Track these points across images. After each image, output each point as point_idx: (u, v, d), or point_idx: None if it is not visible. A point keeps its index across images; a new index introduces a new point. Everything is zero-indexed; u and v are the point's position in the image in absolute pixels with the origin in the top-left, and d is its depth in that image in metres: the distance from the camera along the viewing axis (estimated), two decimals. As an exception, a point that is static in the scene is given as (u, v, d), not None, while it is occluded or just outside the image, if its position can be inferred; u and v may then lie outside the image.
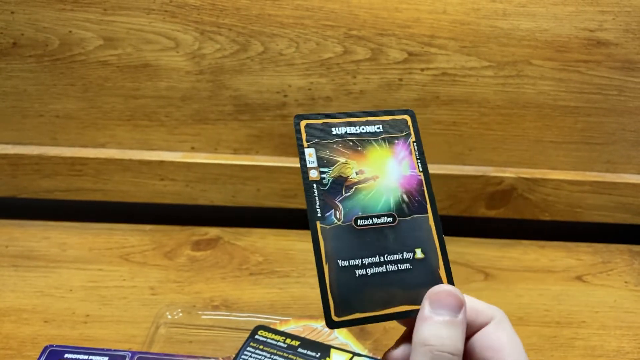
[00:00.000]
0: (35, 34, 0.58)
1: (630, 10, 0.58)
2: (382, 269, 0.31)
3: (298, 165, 0.65)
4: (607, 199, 0.66)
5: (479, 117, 0.63)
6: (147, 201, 0.65)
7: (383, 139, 0.33)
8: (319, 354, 0.45)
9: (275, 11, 0.58)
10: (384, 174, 0.33)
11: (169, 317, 0.52)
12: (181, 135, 0.63)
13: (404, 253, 0.31)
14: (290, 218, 0.67)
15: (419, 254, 0.32)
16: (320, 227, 0.31)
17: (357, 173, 0.32)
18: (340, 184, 0.32)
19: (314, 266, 0.64)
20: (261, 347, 0.46)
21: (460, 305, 0.29)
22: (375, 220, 0.32)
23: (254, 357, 0.45)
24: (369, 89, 0.61)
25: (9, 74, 0.60)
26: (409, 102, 0.62)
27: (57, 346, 0.46)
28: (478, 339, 0.30)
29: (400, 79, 0.61)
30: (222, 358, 0.47)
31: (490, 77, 0.61)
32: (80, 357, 0.45)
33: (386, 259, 0.31)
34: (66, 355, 0.45)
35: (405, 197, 0.33)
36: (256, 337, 0.47)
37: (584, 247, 0.67)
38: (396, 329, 0.48)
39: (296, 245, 0.64)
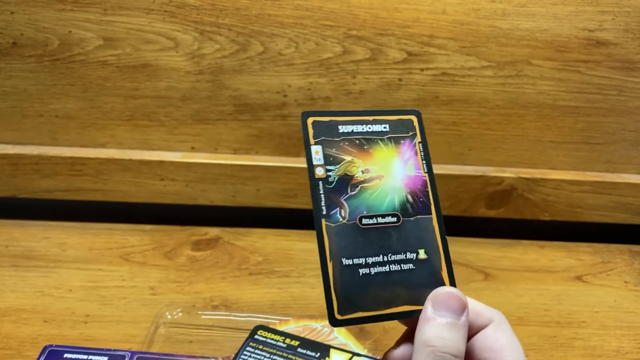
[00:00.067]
0: (35, 34, 0.58)
1: (629, 10, 0.58)
2: (386, 268, 0.31)
3: (298, 165, 0.65)
4: (607, 199, 0.66)
5: (478, 117, 0.63)
6: (147, 201, 0.65)
7: (389, 138, 0.33)
8: (318, 354, 0.45)
9: (275, 11, 0.58)
10: (390, 174, 0.33)
11: (169, 317, 0.52)
12: (181, 135, 0.63)
13: (407, 253, 0.32)
14: (290, 218, 0.67)
15: (422, 254, 0.32)
16: (326, 224, 0.31)
17: (362, 172, 0.32)
18: (346, 182, 0.32)
19: (313, 266, 0.64)
20: (261, 347, 0.46)
21: (463, 308, 0.29)
22: (380, 220, 0.32)
23: (253, 357, 0.45)
24: (369, 89, 0.61)
25: (8, 74, 0.60)
26: (409, 102, 0.62)
27: (56, 346, 0.46)
28: (478, 340, 0.31)
29: (400, 79, 0.61)
30: (222, 358, 0.47)
31: (489, 77, 0.61)
32: (80, 357, 0.45)
33: (389, 259, 0.31)
34: (66, 355, 0.45)
35: (409, 197, 0.33)
36: (256, 337, 0.47)
37: (583, 247, 0.67)
38: (396, 328, 0.48)
39: (296, 245, 0.64)
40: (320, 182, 0.32)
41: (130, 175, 0.64)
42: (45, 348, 0.45)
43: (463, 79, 0.61)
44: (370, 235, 0.31)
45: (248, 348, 0.45)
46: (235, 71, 0.60)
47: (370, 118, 0.33)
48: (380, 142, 0.33)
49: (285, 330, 0.48)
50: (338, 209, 0.31)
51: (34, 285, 0.56)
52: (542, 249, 0.66)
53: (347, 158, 0.32)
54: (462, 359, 0.29)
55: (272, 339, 0.46)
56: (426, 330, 0.29)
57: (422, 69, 0.60)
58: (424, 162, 0.33)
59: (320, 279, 0.63)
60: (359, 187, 0.32)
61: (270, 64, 0.60)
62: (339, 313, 0.30)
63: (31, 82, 0.60)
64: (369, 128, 0.33)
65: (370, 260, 0.31)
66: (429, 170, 0.33)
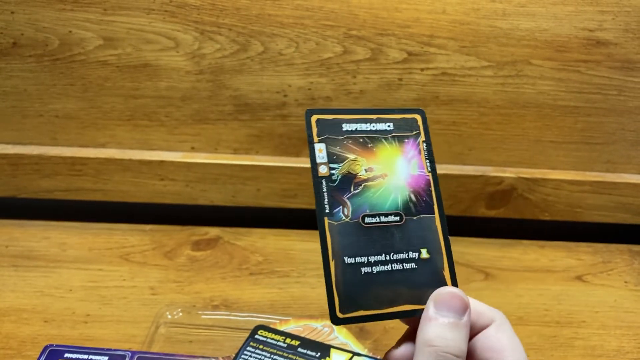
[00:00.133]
0: (35, 34, 0.58)
1: (629, 10, 0.58)
2: (388, 267, 0.31)
3: (298, 165, 0.65)
4: (607, 199, 0.66)
5: (478, 117, 0.63)
6: (147, 201, 0.65)
7: (393, 137, 0.33)
8: (318, 353, 0.45)
9: (275, 11, 0.58)
10: (393, 173, 0.33)
11: (169, 316, 0.52)
12: (181, 135, 0.63)
13: (410, 252, 0.32)
14: (290, 218, 0.67)
15: (424, 254, 0.32)
16: (328, 223, 0.31)
17: (366, 170, 0.32)
18: (349, 180, 0.32)
19: (314, 266, 0.64)
20: (261, 346, 0.46)
21: (465, 308, 0.30)
22: (383, 219, 0.32)
23: (254, 357, 0.45)
24: (369, 89, 0.61)
25: (8, 74, 0.60)
26: (409, 102, 0.62)
27: (57, 346, 0.46)
28: (479, 340, 0.31)
29: (400, 79, 0.61)
30: (222, 358, 0.47)
31: (489, 77, 0.61)
32: (80, 357, 0.45)
33: (392, 258, 0.31)
34: (66, 355, 0.45)
35: (412, 196, 0.33)
36: (256, 336, 0.47)
37: (584, 247, 0.67)
38: (396, 328, 0.48)
39: (296, 245, 0.64)
40: (324, 180, 0.32)
41: (130, 175, 0.64)
42: (45, 348, 0.45)
43: (463, 79, 0.61)
44: (372, 234, 0.31)
45: (248, 348, 0.45)
46: (235, 71, 0.60)
47: (374, 117, 0.33)
48: (384, 140, 0.33)
49: (286, 330, 0.48)
50: (341, 207, 0.31)
51: (34, 285, 0.56)
52: (542, 249, 0.66)
53: (351, 156, 0.32)
54: (464, 359, 0.29)
55: (272, 339, 0.46)
56: (428, 330, 0.29)
57: (422, 69, 0.60)
58: (428, 161, 0.33)
59: (321, 279, 0.63)
60: (362, 186, 0.32)
61: (271, 63, 0.60)
62: (340, 311, 0.30)
63: (31, 82, 0.60)
64: (373, 127, 0.33)
65: (372, 259, 0.31)
66: (433, 170, 0.33)
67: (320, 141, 0.32)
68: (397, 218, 0.32)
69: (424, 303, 0.30)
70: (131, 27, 0.58)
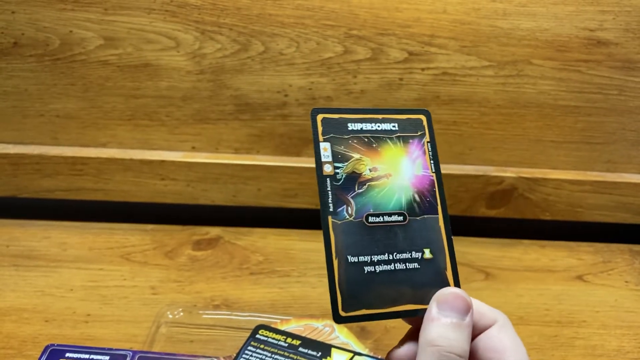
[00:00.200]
0: (35, 34, 0.58)
1: (630, 10, 0.58)
2: (391, 267, 0.31)
3: (299, 165, 0.65)
4: (608, 199, 0.66)
5: (479, 116, 0.63)
6: (148, 201, 0.65)
7: (398, 137, 0.33)
8: (319, 353, 0.45)
9: (276, 11, 0.58)
10: (397, 173, 0.33)
11: (170, 316, 0.52)
12: (182, 135, 0.63)
13: (413, 252, 0.32)
14: (291, 218, 0.67)
15: (427, 254, 0.32)
16: (332, 221, 0.31)
17: (370, 170, 0.32)
18: (354, 180, 0.32)
19: (314, 266, 0.64)
20: (262, 346, 0.46)
21: (467, 309, 0.30)
22: (387, 218, 0.32)
23: (255, 357, 0.45)
24: (370, 89, 0.61)
25: (9, 74, 0.60)
26: (409, 101, 0.62)
27: (58, 345, 0.46)
28: (481, 340, 0.31)
29: (401, 79, 0.61)
30: (223, 357, 0.47)
31: (490, 76, 0.61)
32: (81, 357, 0.45)
33: (395, 257, 0.31)
34: (67, 355, 0.45)
35: (416, 196, 0.33)
36: (257, 336, 0.47)
37: (584, 246, 0.67)
38: (397, 328, 0.48)
39: (297, 245, 0.64)
40: (328, 179, 0.32)
41: (131, 175, 0.64)
42: (46, 347, 0.45)
43: (464, 79, 0.61)
44: (376, 234, 0.31)
45: (249, 347, 0.45)
46: (236, 71, 0.60)
47: (380, 117, 0.33)
48: (388, 140, 0.33)
49: (287, 330, 0.48)
50: (345, 206, 0.31)
51: (35, 285, 0.56)
52: (543, 249, 0.66)
53: (356, 156, 0.32)
54: (466, 359, 0.29)
55: (273, 339, 0.46)
56: (431, 330, 0.29)
57: (422, 69, 0.60)
58: (432, 161, 0.34)
59: (322, 279, 0.63)
60: (366, 185, 0.32)
61: (271, 63, 0.60)
62: (343, 310, 0.30)
63: (32, 82, 0.60)
64: (378, 126, 0.33)
65: (375, 258, 0.31)
66: (437, 170, 0.33)
67: (325, 140, 0.32)
68: (401, 218, 0.32)
69: (427, 303, 0.30)
70: (132, 26, 0.58)
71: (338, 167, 0.32)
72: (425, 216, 0.32)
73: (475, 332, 0.31)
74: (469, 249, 0.65)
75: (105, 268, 0.59)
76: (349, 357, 0.45)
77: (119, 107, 0.62)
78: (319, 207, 0.70)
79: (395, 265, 0.31)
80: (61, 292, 0.55)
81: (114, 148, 0.64)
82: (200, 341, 0.50)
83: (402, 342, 0.32)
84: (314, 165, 0.68)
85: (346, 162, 0.32)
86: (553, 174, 0.66)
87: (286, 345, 0.46)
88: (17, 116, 0.62)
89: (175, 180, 0.64)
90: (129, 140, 0.63)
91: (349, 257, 0.31)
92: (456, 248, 0.33)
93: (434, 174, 0.33)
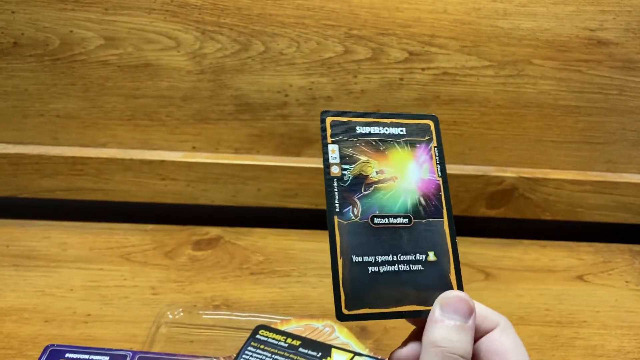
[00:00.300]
0: (35, 34, 0.58)
1: (630, 10, 0.58)
2: (395, 268, 0.32)
3: (299, 165, 0.65)
4: (608, 199, 0.66)
5: (479, 116, 0.63)
6: (148, 201, 0.65)
7: (405, 141, 0.34)
8: (320, 353, 0.45)
9: (276, 11, 0.58)
10: (404, 176, 0.33)
11: (170, 316, 0.52)
12: (182, 135, 0.63)
13: (417, 254, 0.32)
14: (291, 218, 0.67)
15: (431, 256, 0.32)
16: (338, 221, 0.32)
17: (377, 172, 0.33)
18: (360, 181, 0.33)
19: (314, 266, 0.64)
20: (262, 346, 0.46)
21: (470, 312, 0.30)
22: (392, 220, 0.32)
23: (255, 357, 0.45)
24: (370, 89, 0.61)
25: (9, 74, 0.60)
26: (410, 101, 0.62)
27: (58, 346, 0.46)
28: (484, 343, 0.31)
29: (401, 79, 0.61)
30: (223, 357, 0.47)
31: (490, 76, 0.61)
32: (81, 357, 0.45)
33: (399, 259, 0.32)
34: (67, 355, 0.45)
35: (422, 200, 0.33)
36: (257, 336, 0.47)
37: (585, 246, 0.67)
38: (397, 328, 0.48)
39: (297, 245, 0.64)
40: (335, 180, 0.32)
41: (131, 175, 0.64)
42: (46, 348, 0.45)
43: (464, 79, 0.61)
44: (381, 235, 0.32)
45: (249, 348, 0.45)
46: (236, 71, 0.60)
47: (388, 121, 0.34)
48: (396, 144, 0.34)
49: (287, 330, 0.48)
50: (351, 207, 0.32)
51: (35, 285, 0.56)
52: (543, 249, 0.66)
53: (363, 158, 0.33)
54: None
55: (273, 339, 0.46)
56: (434, 331, 0.29)
57: (423, 69, 0.60)
58: (439, 166, 0.34)
59: (322, 279, 0.64)
60: (372, 187, 0.33)
61: (272, 63, 0.60)
62: (346, 308, 0.30)
63: (32, 82, 0.60)
64: (386, 130, 0.34)
65: (380, 259, 0.31)
66: (443, 175, 0.34)
67: (333, 142, 0.33)
68: (406, 220, 0.32)
69: (430, 305, 0.31)
70: (132, 26, 0.58)
71: (345, 169, 0.33)
72: (430, 219, 0.33)
73: (478, 334, 0.31)
74: (469, 249, 0.65)
75: (105, 268, 0.59)
76: (349, 358, 0.45)
77: (119, 107, 0.62)
78: (318, 207, 0.70)
79: (399, 266, 0.32)
80: (61, 292, 0.55)
81: (114, 148, 0.64)
82: (200, 341, 0.50)
83: (405, 343, 0.32)
84: (314, 166, 0.69)
85: (353, 164, 0.33)
86: (553, 174, 0.66)
87: (286, 345, 0.46)
88: (17, 116, 0.62)
89: (176, 180, 0.64)
90: (129, 140, 0.63)
91: (353, 257, 0.31)
92: (456, 248, 0.33)
93: (440, 179, 0.34)
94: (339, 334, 0.49)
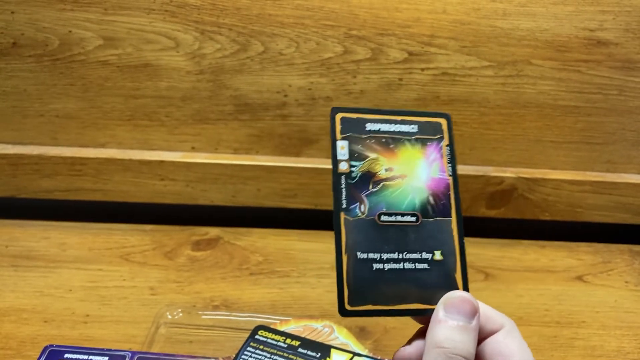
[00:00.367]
0: (35, 34, 0.58)
1: (630, 10, 0.58)
2: (400, 265, 0.31)
3: (298, 165, 0.65)
4: (608, 199, 0.66)
5: (479, 116, 0.63)
6: (147, 201, 0.65)
7: (416, 139, 0.34)
8: (319, 354, 0.45)
9: (276, 11, 0.57)
10: (413, 174, 0.33)
11: (169, 317, 0.52)
12: (181, 135, 0.63)
13: (423, 253, 0.32)
14: (291, 218, 0.67)
15: (437, 255, 0.32)
16: (344, 218, 0.32)
17: (386, 170, 0.33)
18: (368, 178, 0.32)
19: (314, 266, 0.64)
20: (261, 347, 0.46)
21: (474, 312, 0.30)
22: (399, 218, 0.32)
23: (254, 357, 0.45)
24: (369, 89, 0.61)
25: (9, 74, 0.60)
26: (409, 102, 0.62)
27: (57, 346, 0.45)
28: (488, 345, 0.31)
29: (401, 79, 0.61)
30: (222, 358, 0.47)
31: (490, 76, 0.61)
32: (80, 357, 0.45)
33: (405, 257, 0.32)
34: (66, 355, 0.45)
35: (431, 198, 0.33)
36: (256, 337, 0.46)
37: (584, 247, 0.67)
38: (397, 328, 0.48)
39: (296, 245, 0.64)
40: (343, 177, 0.32)
41: (131, 175, 0.64)
42: (45, 348, 0.45)
43: (463, 79, 0.61)
44: (387, 232, 0.32)
45: (248, 348, 0.45)
46: (235, 71, 0.60)
47: (399, 118, 0.34)
48: (406, 142, 0.34)
49: (286, 331, 0.48)
50: (358, 204, 0.32)
51: (34, 285, 0.56)
52: (543, 249, 0.66)
53: (372, 155, 0.33)
54: None
55: (272, 339, 0.46)
56: (437, 332, 0.29)
57: (422, 69, 0.60)
58: (449, 165, 0.34)
59: (321, 279, 0.64)
60: (380, 185, 0.32)
61: (271, 63, 0.60)
62: (349, 304, 0.30)
63: (31, 82, 0.60)
64: (397, 128, 0.34)
65: (385, 256, 0.31)
66: (454, 174, 0.34)
67: (343, 138, 0.33)
68: (414, 219, 0.32)
69: (434, 304, 0.31)
70: (131, 27, 0.58)
71: (354, 166, 0.32)
72: (438, 218, 0.33)
73: (482, 335, 0.31)
74: (468, 249, 0.64)
75: (104, 268, 0.59)
76: (349, 358, 0.45)
77: (119, 108, 0.62)
78: (318, 208, 0.70)
79: (405, 264, 0.32)
80: (60, 292, 0.55)
81: (113, 148, 0.64)
82: (199, 342, 0.50)
83: (410, 341, 0.32)
84: (313, 166, 0.68)
85: (362, 161, 0.33)
86: (553, 174, 0.66)
87: (285, 346, 0.46)
88: (17, 116, 0.62)
89: (175, 180, 0.64)
90: (128, 140, 0.63)
91: (358, 254, 0.31)
92: (456, 248, 0.33)
93: (450, 178, 0.34)
94: (338, 335, 0.49)
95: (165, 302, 0.55)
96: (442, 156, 0.34)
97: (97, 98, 0.61)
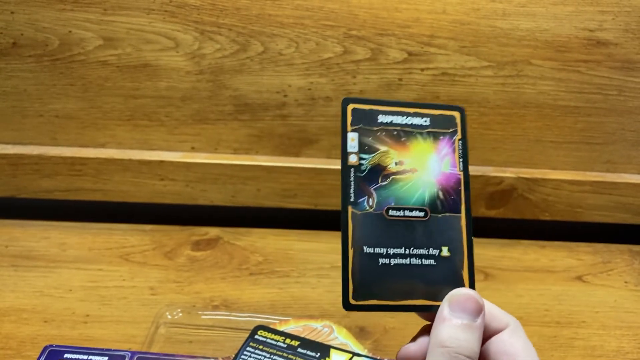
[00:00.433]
0: (35, 34, 0.58)
1: (630, 10, 0.58)
2: (406, 261, 0.31)
3: (298, 165, 0.65)
4: (607, 199, 0.66)
5: (478, 117, 0.63)
6: (147, 201, 0.65)
7: (428, 133, 0.33)
8: (318, 354, 0.45)
9: (275, 11, 0.57)
10: (423, 168, 0.32)
11: (169, 317, 0.52)
12: (181, 135, 0.63)
13: (431, 249, 0.32)
14: (291, 218, 0.67)
15: (445, 252, 0.32)
16: (352, 212, 0.31)
17: (396, 163, 0.32)
18: (378, 172, 0.32)
19: (314, 266, 0.64)
20: (261, 347, 0.46)
21: (479, 310, 0.30)
22: (407, 213, 0.32)
23: (253, 357, 0.45)
24: (369, 89, 0.61)
25: (8, 74, 0.60)
26: (409, 102, 0.62)
27: (56, 346, 0.46)
28: (493, 344, 0.31)
29: (400, 79, 0.61)
30: (222, 358, 0.47)
31: (490, 77, 0.61)
32: (80, 357, 0.45)
33: (411, 252, 0.31)
34: (66, 355, 0.45)
35: (440, 193, 0.33)
36: (256, 337, 0.46)
37: (584, 247, 0.67)
38: (396, 329, 0.48)
39: (296, 245, 0.64)
40: (352, 170, 0.32)
41: (130, 175, 0.64)
42: (45, 348, 0.45)
43: (463, 79, 0.61)
44: (395, 227, 0.31)
45: (248, 348, 0.45)
46: (235, 71, 0.60)
47: (412, 110, 0.33)
48: (418, 135, 0.33)
49: (286, 331, 0.48)
50: (366, 197, 0.31)
51: (34, 285, 0.56)
52: (543, 249, 0.66)
53: (382, 148, 0.32)
54: None
55: (272, 339, 0.46)
56: (441, 330, 0.29)
57: (422, 69, 0.60)
58: (461, 160, 0.33)
59: (321, 279, 0.63)
60: (390, 178, 0.32)
61: (271, 64, 0.60)
62: (353, 298, 0.30)
63: (31, 82, 0.60)
64: (409, 120, 0.33)
65: (391, 251, 0.31)
66: (465, 169, 0.33)
67: (353, 130, 0.32)
68: (422, 214, 0.32)
69: (439, 300, 0.31)
70: (131, 27, 0.58)
71: (363, 158, 0.32)
72: (447, 214, 0.32)
73: (487, 334, 0.31)
74: (468, 249, 0.65)
75: (104, 268, 0.59)
76: (348, 358, 0.45)
77: (118, 108, 0.62)
78: (318, 208, 0.70)
79: (411, 260, 0.31)
80: (60, 292, 0.55)
81: (113, 148, 0.64)
82: (199, 342, 0.50)
83: (415, 338, 0.32)
84: (313, 166, 0.68)
85: (372, 153, 0.32)
86: (552, 174, 0.66)
87: (285, 346, 0.46)
88: (16, 116, 0.62)
89: (175, 180, 0.64)
90: (128, 140, 0.63)
91: (364, 248, 0.31)
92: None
93: (461, 173, 0.33)
94: (337, 335, 0.49)
95: (165, 302, 0.55)
96: (454, 150, 0.33)
97: (96, 98, 0.61)
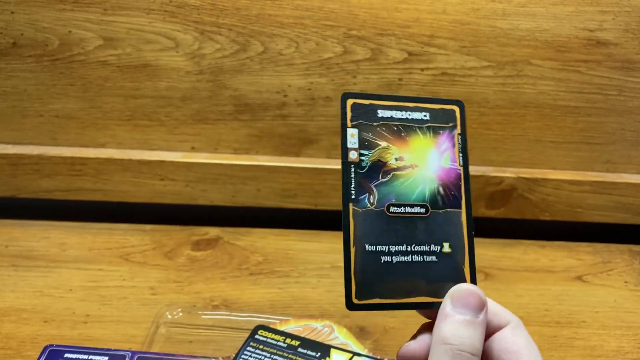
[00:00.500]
0: (35, 34, 0.58)
1: (630, 10, 0.58)
2: (408, 258, 0.31)
3: (298, 165, 0.65)
4: (607, 199, 0.66)
5: (478, 117, 0.63)
6: (147, 201, 0.65)
7: (428, 127, 0.33)
8: (319, 353, 0.45)
9: (275, 11, 0.58)
10: (424, 164, 0.32)
11: (169, 316, 0.52)
12: (181, 135, 0.63)
13: (432, 245, 0.31)
14: (291, 218, 0.67)
15: (446, 248, 0.32)
16: (353, 209, 0.31)
17: (396, 159, 0.32)
18: (378, 168, 0.32)
19: (314, 266, 0.64)
20: (261, 346, 0.46)
21: (482, 306, 0.30)
22: (408, 209, 0.31)
23: (254, 357, 0.45)
24: (369, 89, 0.61)
25: (8, 74, 0.60)
26: (409, 102, 0.62)
27: (57, 346, 0.46)
28: (496, 341, 0.31)
29: (400, 79, 0.61)
30: (222, 358, 0.47)
31: (490, 77, 0.61)
32: (80, 357, 0.45)
33: (413, 249, 0.31)
34: (66, 355, 0.45)
35: (441, 189, 0.32)
36: (256, 336, 0.47)
37: (584, 247, 0.67)
38: (396, 329, 0.48)
39: (296, 245, 0.64)
40: (352, 166, 0.31)
41: (130, 175, 0.64)
42: (45, 348, 0.45)
43: (463, 79, 0.61)
44: (396, 224, 0.31)
45: (248, 348, 0.45)
46: (235, 71, 0.60)
47: (412, 105, 0.33)
48: (418, 130, 0.33)
49: (286, 330, 0.48)
50: (367, 194, 0.31)
51: (34, 285, 0.56)
52: (543, 249, 0.66)
53: (383, 144, 0.32)
54: (479, 357, 0.29)
55: (272, 339, 0.46)
56: (444, 327, 0.29)
57: (422, 69, 0.60)
58: (461, 155, 0.33)
59: (321, 279, 0.64)
60: (390, 174, 0.32)
61: (271, 64, 0.60)
62: (356, 297, 0.30)
63: (31, 82, 0.60)
64: (409, 115, 0.33)
65: (393, 248, 0.31)
66: (465, 164, 0.33)
67: (353, 126, 0.32)
68: (423, 210, 0.32)
69: (441, 297, 0.30)
70: (131, 27, 0.58)
71: (364, 155, 0.31)
72: (448, 210, 0.32)
73: (489, 331, 0.31)
74: (468, 249, 0.65)
75: (104, 268, 0.59)
76: (348, 358, 0.45)
77: (118, 108, 0.62)
78: (318, 208, 0.70)
79: (413, 257, 0.31)
80: (60, 292, 0.55)
81: (113, 148, 0.64)
82: (199, 342, 0.50)
83: (415, 336, 0.31)
84: (313, 166, 0.68)
85: (373, 149, 0.32)
86: (552, 174, 0.66)
87: (285, 345, 0.46)
88: (16, 116, 0.62)
89: (175, 180, 0.64)
90: (128, 140, 0.63)
91: (366, 246, 0.31)
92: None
93: (461, 168, 0.33)
94: (338, 334, 0.49)
95: (165, 302, 0.55)
96: (453, 145, 0.33)
97: (96, 98, 0.61)
